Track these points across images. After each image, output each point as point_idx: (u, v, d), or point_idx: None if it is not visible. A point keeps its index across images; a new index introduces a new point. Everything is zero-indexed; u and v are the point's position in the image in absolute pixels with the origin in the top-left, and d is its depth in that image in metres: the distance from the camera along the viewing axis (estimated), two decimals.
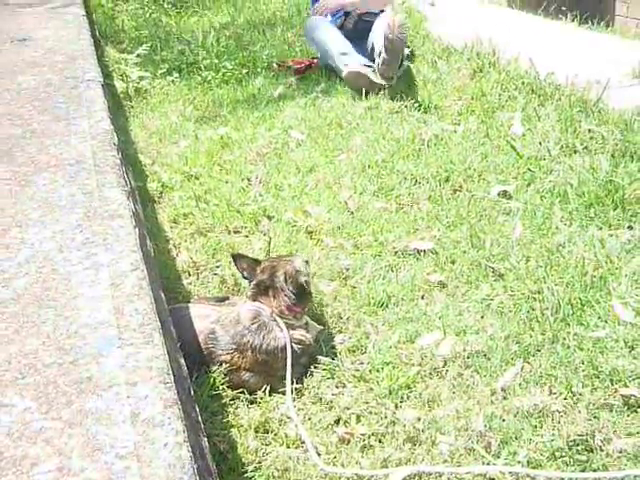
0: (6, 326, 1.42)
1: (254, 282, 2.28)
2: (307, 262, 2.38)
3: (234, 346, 2.17)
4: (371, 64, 4.23)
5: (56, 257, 1.68)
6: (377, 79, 4.12)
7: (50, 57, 3.67)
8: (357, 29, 4.64)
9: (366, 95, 4.12)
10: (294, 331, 2.22)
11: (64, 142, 2.42)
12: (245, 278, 2.34)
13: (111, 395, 1.22)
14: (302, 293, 2.28)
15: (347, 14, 4.68)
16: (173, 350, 1.52)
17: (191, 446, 1.14)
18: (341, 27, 4.67)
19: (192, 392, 1.57)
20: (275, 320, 2.21)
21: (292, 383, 2.12)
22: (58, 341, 1.37)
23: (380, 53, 4.01)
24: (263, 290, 2.26)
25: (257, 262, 2.33)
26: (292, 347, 2.17)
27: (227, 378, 2.15)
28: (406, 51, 4.06)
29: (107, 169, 2.18)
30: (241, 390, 2.14)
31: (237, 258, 2.35)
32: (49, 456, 1.10)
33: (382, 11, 4.63)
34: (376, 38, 4.19)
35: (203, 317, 2.23)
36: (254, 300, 2.26)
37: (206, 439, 1.46)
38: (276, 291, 2.25)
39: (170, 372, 1.28)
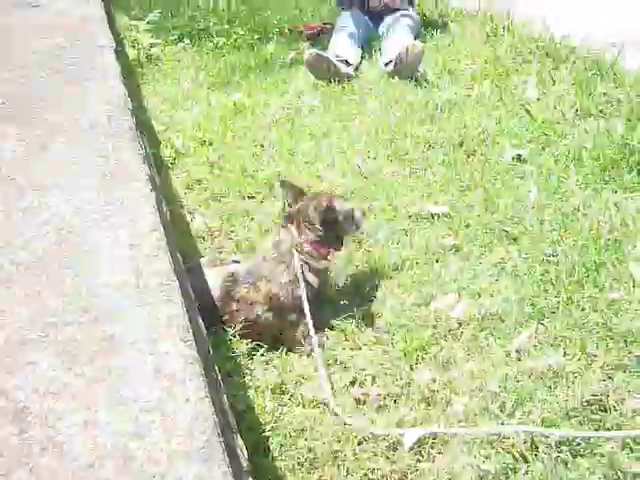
0: (27, 287, 1.44)
1: (288, 210, 2.27)
2: (363, 213, 2.34)
3: (250, 279, 2.17)
4: (350, 62, 4.16)
5: (74, 220, 1.69)
6: (344, 69, 4.04)
7: (61, 21, 3.65)
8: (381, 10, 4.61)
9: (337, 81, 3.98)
10: (309, 273, 2.19)
11: (79, 106, 2.42)
12: (289, 206, 2.30)
13: (133, 352, 1.24)
14: (332, 234, 2.22)
15: None
16: (192, 310, 1.53)
17: (212, 402, 1.16)
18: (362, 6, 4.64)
19: (211, 351, 1.59)
20: (293, 254, 2.18)
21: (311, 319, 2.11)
22: (79, 301, 1.39)
23: (388, 63, 4.01)
24: (292, 220, 2.24)
25: (302, 192, 2.29)
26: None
27: (243, 315, 2.16)
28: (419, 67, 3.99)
29: (122, 133, 2.18)
30: (256, 348, 2.15)
31: (283, 185, 2.33)
32: (74, 411, 1.13)
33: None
34: (389, 45, 4.18)
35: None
36: (284, 228, 2.24)
37: (225, 396, 1.48)
38: (303, 223, 2.20)
39: (190, 330, 1.29)
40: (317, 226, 2.19)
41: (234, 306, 2.18)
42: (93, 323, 1.32)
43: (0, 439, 1.07)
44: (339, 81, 3.93)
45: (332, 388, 2.02)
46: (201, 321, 1.66)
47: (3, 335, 1.30)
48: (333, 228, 2.22)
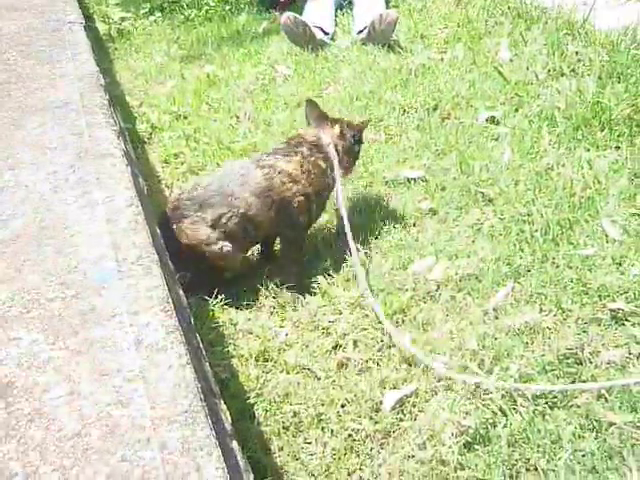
0: (7, 265, 1.46)
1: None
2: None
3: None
4: (325, 30, 4.13)
5: (51, 197, 1.70)
6: (320, 35, 4.02)
7: (29, 0, 3.62)
8: None
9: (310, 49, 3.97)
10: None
11: (50, 85, 2.42)
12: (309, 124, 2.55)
13: (114, 324, 1.26)
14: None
15: None
16: (171, 281, 1.56)
17: (194, 369, 1.19)
18: None
19: (192, 321, 1.62)
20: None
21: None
22: (59, 276, 1.41)
23: (362, 31, 3.98)
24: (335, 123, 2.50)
25: (325, 115, 2.54)
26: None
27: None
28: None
29: (95, 110, 2.19)
30: (237, 322, 2.19)
31: (309, 103, 2.55)
32: (58, 383, 1.15)
33: None
34: (361, 12, 4.14)
35: None
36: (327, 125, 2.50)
37: (208, 364, 1.51)
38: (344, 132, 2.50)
39: (170, 301, 1.32)
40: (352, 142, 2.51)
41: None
42: (74, 298, 1.34)
43: None
44: (312, 49, 3.92)
45: (315, 354, 2.06)
46: (181, 292, 1.69)
47: None
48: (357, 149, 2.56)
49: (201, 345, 1.55)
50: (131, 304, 1.30)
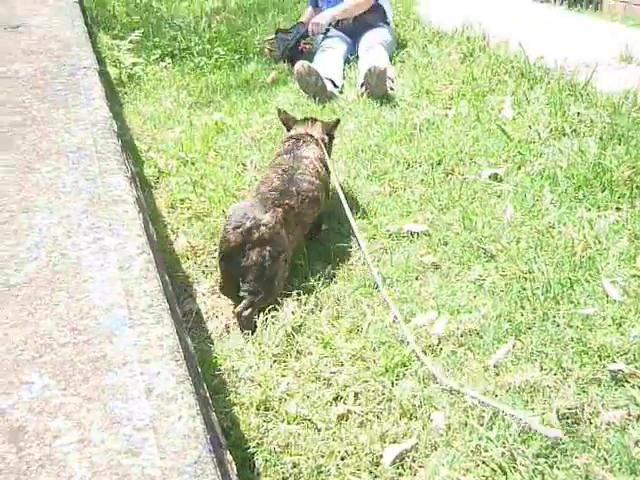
0: (20, 308, 1.48)
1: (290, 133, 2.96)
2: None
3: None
4: (336, 83, 4.26)
5: (64, 242, 1.73)
6: (329, 87, 4.14)
7: (45, 44, 3.70)
8: (355, 26, 4.70)
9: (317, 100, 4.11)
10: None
11: (65, 129, 2.46)
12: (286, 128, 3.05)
13: (125, 372, 1.28)
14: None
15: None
16: (181, 329, 1.58)
17: (203, 419, 1.20)
18: (337, 24, 4.71)
19: (199, 369, 1.64)
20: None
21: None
22: (71, 322, 1.43)
23: (362, 85, 4.10)
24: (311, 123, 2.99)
25: (294, 119, 3.05)
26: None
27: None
28: (389, 84, 4.08)
29: (109, 155, 2.23)
30: (238, 370, 2.20)
31: (279, 112, 3.09)
32: (70, 429, 1.17)
33: (383, 13, 4.72)
34: (362, 66, 4.26)
35: None
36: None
37: (214, 413, 1.52)
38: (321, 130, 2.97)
39: (180, 350, 1.34)
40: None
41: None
42: (86, 344, 1.36)
43: None
44: (320, 100, 4.00)
45: (316, 405, 2.07)
46: (189, 340, 1.71)
47: None
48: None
49: (207, 394, 1.57)
50: (142, 352, 1.32)
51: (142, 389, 1.23)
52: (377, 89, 3.96)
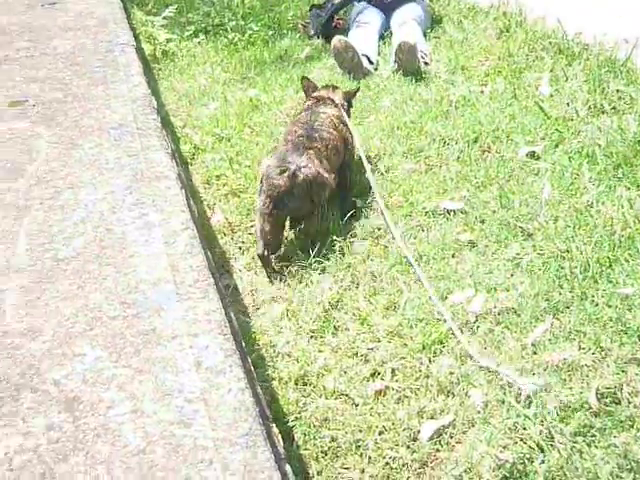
0: (70, 282, 1.52)
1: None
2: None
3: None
4: (371, 60, 4.23)
5: (110, 217, 1.76)
6: (365, 64, 4.12)
7: (82, 21, 3.72)
8: (389, 1, 4.65)
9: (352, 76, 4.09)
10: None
11: (105, 106, 2.49)
12: (306, 94, 3.20)
13: (175, 345, 1.31)
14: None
15: None
16: (225, 304, 1.60)
17: (251, 392, 1.23)
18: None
19: (243, 344, 1.66)
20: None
21: None
22: (120, 296, 1.46)
23: (395, 61, 4.06)
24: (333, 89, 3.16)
25: (316, 86, 3.20)
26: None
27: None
28: (424, 60, 4.05)
29: (149, 132, 2.26)
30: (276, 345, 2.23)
31: (304, 79, 3.25)
32: (123, 400, 1.20)
33: None
34: (395, 42, 4.20)
35: None
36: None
37: (259, 387, 1.55)
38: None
39: (227, 324, 1.36)
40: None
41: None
42: (135, 317, 1.39)
43: (56, 426, 1.15)
44: (354, 76, 3.99)
45: (353, 380, 2.09)
46: (233, 315, 1.74)
47: (50, 328, 1.37)
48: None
49: (252, 367, 1.59)
50: (190, 326, 1.35)
51: (192, 362, 1.26)
52: (408, 65, 3.93)
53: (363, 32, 4.35)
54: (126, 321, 1.38)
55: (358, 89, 3.29)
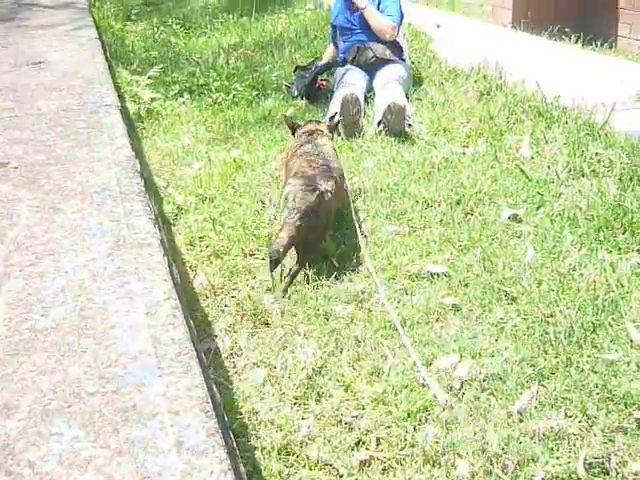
0: (48, 355, 1.48)
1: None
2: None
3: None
4: None
5: (90, 286, 1.74)
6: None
7: (67, 81, 3.75)
8: (372, 62, 4.73)
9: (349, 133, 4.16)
10: None
11: (89, 169, 2.49)
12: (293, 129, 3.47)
13: (155, 424, 1.27)
14: None
15: (359, 49, 4.75)
16: (208, 378, 1.57)
17: (234, 474, 1.19)
18: (353, 60, 4.75)
19: (226, 418, 1.63)
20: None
21: None
22: (100, 370, 1.43)
23: (379, 123, 4.13)
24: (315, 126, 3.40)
25: (296, 124, 3.49)
26: None
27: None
28: (407, 121, 4.12)
29: (133, 196, 2.25)
30: (258, 412, 2.19)
31: (286, 118, 3.73)
32: None
33: (400, 50, 4.76)
34: (379, 103, 4.30)
35: None
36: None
37: (242, 466, 1.51)
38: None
39: (209, 400, 1.33)
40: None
41: None
42: (115, 393, 1.35)
43: None
44: (347, 132, 4.06)
45: (337, 449, 2.05)
46: (215, 388, 1.70)
47: (26, 405, 1.33)
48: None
49: (234, 443, 1.55)
50: (172, 403, 1.31)
51: (172, 442, 1.23)
52: (396, 126, 3.99)
53: (350, 92, 4.41)
54: (105, 397, 1.34)
55: (339, 122, 3.68)
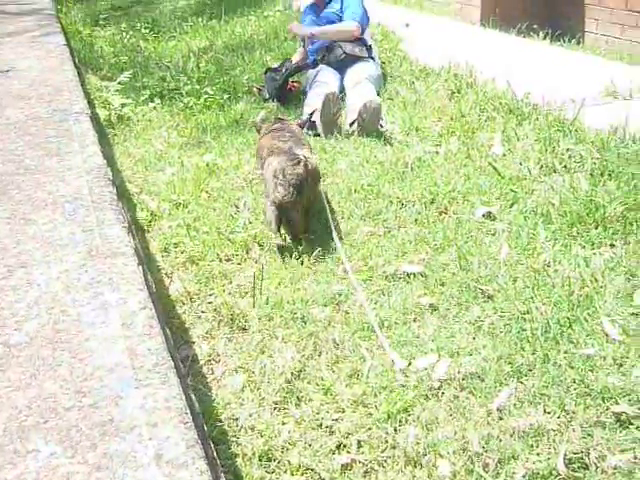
0: (23, 370, 1.46)
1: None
2: None
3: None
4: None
5: (64, 298, 1.71)
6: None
7: (36, 89, 3.70)
8: (342, 60, 4.75)
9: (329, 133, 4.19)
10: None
11: (59, 178, 2.45)
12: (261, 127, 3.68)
13: (134, 437, 1.26)
14: None
15: (328, 48, 4.79)
16: (185, 387, 1.56)
17: None
18: (322, 59, 4.76)
19: (205, 427, 1.61)
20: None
21: None
22: (76, 384, 1.41)
23: (352, 123, 4.15)
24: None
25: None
26: None
27: None
28: (381, 122, 4.15)
29: (105, 205, 2.22)
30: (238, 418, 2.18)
31: (255, 124, 3.83)
32: None
33: (368, 48, 4.80)
34: (351, 103, 4.33)
35: None
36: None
37: (223, 475, 1.50)
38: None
39: (188, 411, 1.32)
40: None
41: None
42: (91, 407, 1.34)
43: None
44: (325, 129, 4.10)
45: (319, 453, 2.04)
46: (194, 397, 1.69)
47: (2, 422, 1.31)
48: None
49: (214, 453, 1.54)
50: (150, 415, 1.30)
51: (152, 455, 1.21)
52: (370, 125, 3.99)
53: (323, 91, 4.40)
54: (82, 411, 1.33)
55: (308, 119, 3.97)
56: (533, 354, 2.30)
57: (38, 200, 2.29)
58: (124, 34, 6.98)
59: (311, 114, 4.12)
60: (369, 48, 4.85)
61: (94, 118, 4.06)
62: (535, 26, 6.04)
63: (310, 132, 4.11)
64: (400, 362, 2.30)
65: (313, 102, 4.29)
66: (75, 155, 2.67)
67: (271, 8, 7.66)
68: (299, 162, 2.94)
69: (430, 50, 5.40)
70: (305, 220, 3.10)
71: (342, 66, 4.74)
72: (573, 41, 5.96)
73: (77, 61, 5.36)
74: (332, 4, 4.97)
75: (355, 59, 4.72)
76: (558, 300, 2.50)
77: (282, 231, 3.10)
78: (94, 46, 6.51)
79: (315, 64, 4.79)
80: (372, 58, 4.84)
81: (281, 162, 2.96)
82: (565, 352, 2.28)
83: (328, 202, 3.28)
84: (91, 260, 1.89)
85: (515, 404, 2.13)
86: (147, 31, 7.10)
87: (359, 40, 4.80)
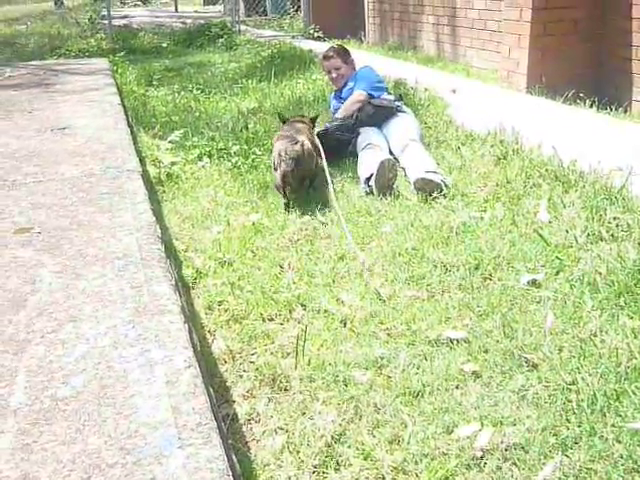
0: (68, 424, 1.48)
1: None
2: None
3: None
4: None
5: (111, 353, 1.74)
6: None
7: (90, 146, 3.83)
8: (374, 115, 4.96)
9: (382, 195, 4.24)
10: None
11: (110, 234, 2.52)
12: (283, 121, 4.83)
13: None
14: None
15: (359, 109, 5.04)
16: (228, 448, 1.56)
17: None
18: (356, 120, 4.95)
19: None
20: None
21: None
22: (120, 440, 1.42)
23: (370, 180, 4.26)
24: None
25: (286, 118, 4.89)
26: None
27: None
28: (443, 181, 4.19)
29: (154, 263, 2.27)
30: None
31: (279, 115, 4.99)
32: None
33: (399, 102, 4.97)
34: (410, 176, 4.39)
35: None
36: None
37: None
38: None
39: (230, 473, 1.32)
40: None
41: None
42: (135, 465, 1.34)
43: None
44: (380, 192, 4.17)
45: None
46: (235, 458, 1.68)
47: (46, 476, 1.33)
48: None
49: None
50: (191, 476, 1.30)
51: None
52: (388, 182, 4.22)
53: (375, 154, 4.46)
54: (125, 469, 1.34)
55: (318, 115, 5.09)
56: (579, 426, 2.25)
57: (89, 255, 2.35)
58: (176, 94, 7.19)
59: (368, 178, 4.20)
60: (397, 97, 5.16)
61: (144, 175, 4.18)
62: (582, 94, 6.06)
63: (367, 190, 4.26)
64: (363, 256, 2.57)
65: (369, 164, 4.34)
66: (126, 212, 2.74)
67: (319, 71, 7.84)
68: (297, 143, 4.04)
69: (476, 116, 5.45)
70: (300, 186, 4.21)
71: (378, 121, 4.92)
72: (620, 109, 5.95)
73: (130, 120, 5.54)
74: (348, 84, 5.39)
75: (387, 112, 4.93)
76: (605, 371, 2.45)
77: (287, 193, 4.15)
78: (147, 105, 6.70)
79: (355, 122, 4.92)
80: (399, 105, 5.05)
81: (284, 144, 4.07)
82: (612, 425, 2.22)
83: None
84: (138, 317, 1.92)
85: (560, 478, 2.07)
86: (198, 92, 7.30)
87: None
